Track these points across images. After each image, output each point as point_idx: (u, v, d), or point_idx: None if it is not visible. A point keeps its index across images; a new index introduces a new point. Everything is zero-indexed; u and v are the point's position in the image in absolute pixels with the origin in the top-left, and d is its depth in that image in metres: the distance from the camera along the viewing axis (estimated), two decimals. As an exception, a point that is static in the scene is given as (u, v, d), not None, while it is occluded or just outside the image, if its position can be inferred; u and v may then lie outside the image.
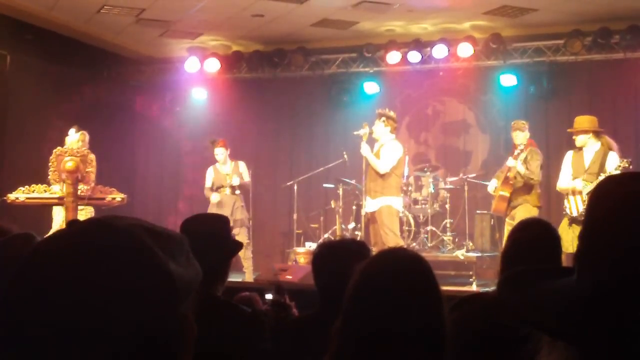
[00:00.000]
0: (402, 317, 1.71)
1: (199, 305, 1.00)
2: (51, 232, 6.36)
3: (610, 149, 7.27)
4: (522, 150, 7.68)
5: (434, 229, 9.73)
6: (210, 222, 3.18)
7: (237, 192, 9.00)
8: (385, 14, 9.67)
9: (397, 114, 8.35)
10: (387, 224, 7.72)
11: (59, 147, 6.51)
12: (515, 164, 7.69)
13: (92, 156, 7.34)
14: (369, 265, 1.84)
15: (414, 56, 10.29)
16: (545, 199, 8.55)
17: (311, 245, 9.76)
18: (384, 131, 7.93)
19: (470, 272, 9.03)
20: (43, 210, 7.89)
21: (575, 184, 7.28)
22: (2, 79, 9.82)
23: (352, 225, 9.63)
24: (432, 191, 9.78)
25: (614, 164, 7.11)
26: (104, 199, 6.48)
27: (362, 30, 10.38)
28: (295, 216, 10.31)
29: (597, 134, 7.37)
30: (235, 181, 8.93)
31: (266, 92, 11.43)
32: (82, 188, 6.39)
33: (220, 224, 3.15)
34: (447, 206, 9.81)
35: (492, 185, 8.14)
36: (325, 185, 10.34)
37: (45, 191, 6.37)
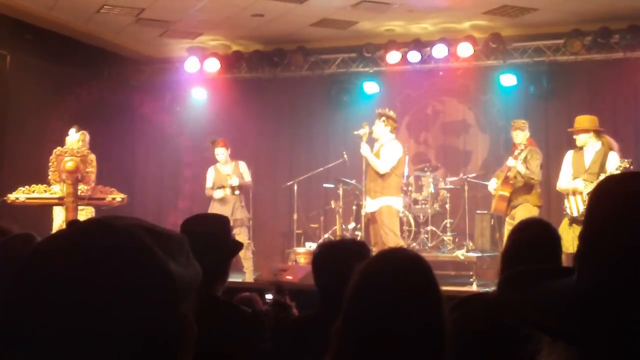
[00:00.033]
0: (402, 317, 1.71)
1: (199, 306, 1.00)
2: (51, 232, 6.36)
3: (611, 149, 7.26)
4: (522, 150, 7.67)
5: (434, 229, 9.73)
6: (210, 222, 3.18)
7: (237, 192, 8.99)
8: (385, 13, 9.67)
9: (397, 114, 8.35)
10: (387, 224, 7.72)
11: (59, 147, 6.51)
12: (515, 164, 7.69)
13: (93, 156, 7.33)
14: (369, 266, 1.84)
15: (414, 56, 10.29)
16: (546, 199, 8.55)
17: (311, 246, 9.75)
18: (384, 131, 7.93)
19: (471, 272, 9.03)
20: (43, 211, 7.89)
21: (576, 184, 7.27)
22: (2, 79, 9.82)
23: (352, 225, 9.63)
24: (432, 191, 9.78)
25: (615, 164, 7.10)
26: (104, 199, 6.48)
27: (361, 30, 10.38)
28: (295, 216, 10.31)
29: (597, 134, 7.36)
30: (234, 182, 8.92)
31: (266, 92, 11.43)
32: (82, 188, 6.39)
33: (220, 224, 3.15)
34: (447, 206, 9.81)
35: (492, 184, 8.13)
36: (325, 185, 10.34)
37: (45, 191, 6.37)
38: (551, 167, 8.77)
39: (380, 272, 1.80)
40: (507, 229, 7.50)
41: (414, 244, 9.51)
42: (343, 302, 1.79)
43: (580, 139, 7.38)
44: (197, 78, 11.32)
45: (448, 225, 9.77)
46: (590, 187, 7.02)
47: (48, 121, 10.27)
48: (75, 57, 10.63)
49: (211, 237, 2.90)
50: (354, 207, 9.69)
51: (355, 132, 8.05)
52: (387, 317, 1.70)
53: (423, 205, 9.79)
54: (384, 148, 7.86)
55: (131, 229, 0.90)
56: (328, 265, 2.80)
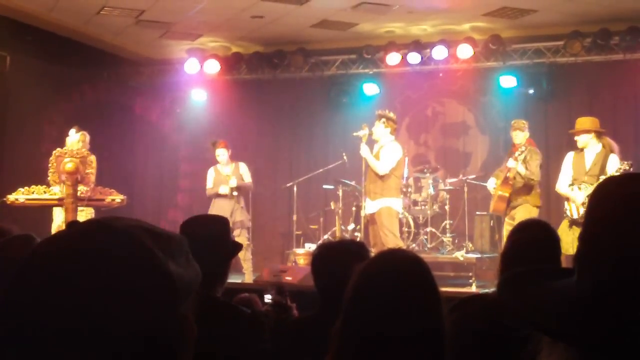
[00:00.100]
0: (401, 318, 1.71)
1: (198, 306, 1.00)
2: (51, 233, 6.36)
3: (612, 151, 7.25)
4: (522, 152, 7.67)
5: (433, 230, 9.73)
6: (209, 223, 3.17)
7: (235, 193, 8.98)
8: (385, 15, 9.67)
9: (397, 116, 8.35)
10: (387, 225, 7.72)
11: (58, 149, 6.51)
12: (515, 165, 7.69)
13: (93, 157, 7.33)
14: (368, 267, 1.84)
15: (414, 57, 10.29)
16: (545, 200, 8.55)
17: (311, 247, 9.75)
18: (384, 132, 7.93)
19: (470, 274, 9.02)
20: (43, 212, 7.89)
21: (574, 195, 7.26)
22: (2, 80, 9.82)
23: (351, 226, 9.63)
24: (432, 192, 9.78)
25: (615, 166, 7.10)
26: (103, 200, 6.48)
27: (361, 32, 10.38)
28: (294, 217, 10.31)
29: (598, 135, 7.36)
30: (232, 183, 8.92)
31: (266, 93, 11.44)
32: (81, 189, 6.38)
33: (220, 225, 3.14)
34: (447, 207, 9.81)
35: (491, 183, 8.13)
36: (324, 186, 10.34)
37: (45, 192, 6.37)
38: (551, 169, 8.77)
39: (380, 273, 1.80)
40: (507, 229, 7.50)
41: (414, 245, 9.51)
42: (342, 303, 1.79)
43: (581, 140, 7.37)
44: (197, 79, 11.32)
45: (447, 226, 9.77)
46: (591, 189, 7.03)
47: (48, 122, 10.28)
48: (75, 59, 10.63)
49: (211, 238, 2.90)
50: (354, 209, 9.70)
51: (355, 134, 8.05)
52: (387, 318, 1.71)
53: (422, 207, 9.80)
54: (384, 149, 7.86)
55: (131, 230, 0.90)
56: (327, 267, 2.80)
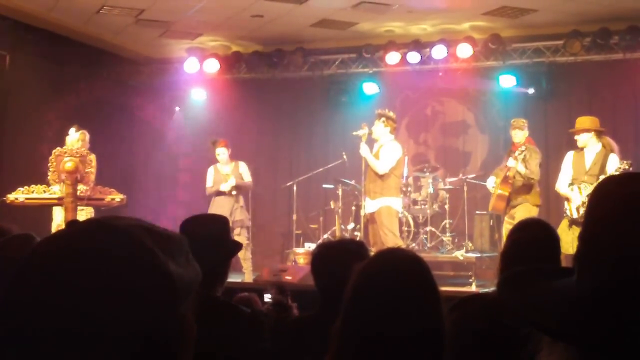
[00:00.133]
0: (400, 318, 1.71)
1: (198, 306, 0.99)
2: (51, 232, 6.35)
3: (612, 150, 7.25)
4: (522, 152, 7.66)
5: (433, 229, 9.73)
6: (209, 222, 3.17)
7: (234, 192, 8.98)
8: (385, 14, 9.67)
9: (397, 115, 8.35)
10: (387, 224, 7.72)
11: (58, 148, 6.50)
12: (516, 165, 7.69)
13: (93, 156, 7.33)
14: (367, 266, 1.84)
15: (413, 57, 10.29)
16: (545, 200, 8.55)
17: (310, 246, 9.75)
18: (384, 132, 7.93)
19: (470, 273, 9.03)
20: (42, 211, 7.88)
21: (573, 196, 7.26)
22: (1, 79, 9.81)
23: (351, 225, 9.63)
24: (432, 192, 9.78)
25: (615, 165, 7.10)
26: (103, 199, 6.47)
27: (361, 31, 10.38)
28: (294, 217, 10.31)
29: (598, 134, 7.35)
30: (231, 182, 8.92)
31: (265, 92, 11.43)
32: (81, 188, 6.38)
33: (220, 224, 3.15)
34: (447, 207, 9.81)
35: (491, 182, 8.13)
36: (324, 185, 10.34)
37: (44, 191, 6.37)
38: (551, 168, 8.77)
39: (379, 272, 1.80)
40: (507, 228, 7.50)
41: (413, 245, 9.51)
42: (342, 303, 1.79)
43: (581, 139, 7.37)
44: (197, 78, 11.32)
45: (447, 225, 9.77)
46: (591, 189, 7.03)
47: (47, 121, 10.27)
48: (74, 58, 10.63)
49: (210, 237, 2.90)
50: (353, 208, 9.69)
51: (355, 133, 8.05)
52: (386, 317, 1.70)
53: (422, 206, 9.80)
54: (384, 149, 7.86)
55: (130, 230, 0.90)
56: (327, 266, 2.80)
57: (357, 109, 10.47)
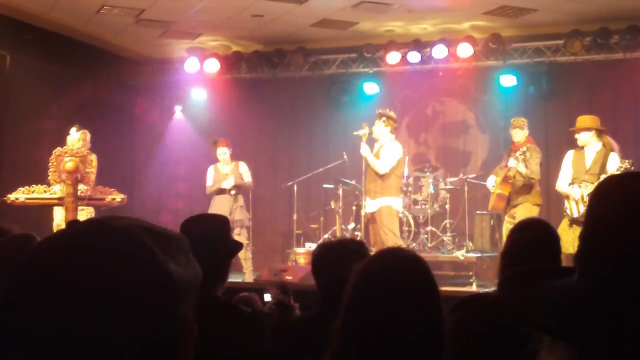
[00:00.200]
0: (400, 317, 1.71)
1: (199, 306, 0.99)
2: (51, 232, 6.35)
3: (612, 149, 7.25)
4: (523, 152, 7.64)
5: (433, 229, 9.73)
6: (209, 222, 3.17)
7: (233, 192, 8.99)
8: (385, 14, 9.67)
9: (397, 115, 8.34)
10: (387, 224, 7.72)
11: (58, 148, 6.50)
12: (516, 165, 7.68)
13: (93, 157, 7.34)
14: (367, 265, 1.84)
15: (414, 56, 10.29)
16: (545, 199, 8.55)
17: (311, 246, 9.75)
18: (384, 131, 7.93)
19: (470, 273, 9.03)
20: (43, 211, 7.89)
21: (573, 192, 7.26)
22: (2, 79, 9.81)
23: (351, 225, 9.62)
24: (432, 191, 9.78)
25: (615, 165, 7.09)
26: (103, 199, 6.47)
27: (361, 31, 10.38)
28: (295, 216, 10.31)
29: (599, 134, 7.35)
30: (229, 182, 8.93)
31: (266, 92, 11.43)
32: (82, 188, 6.38)
33: (220, 224, 3.14)
34: (447, 206, 9.81)
35: (491, 181, 8.13)
36: (325, 185, 10.34)
37: (45, 191, 6.37)
38: (551, 168, 8.77)
39: (379, 271, 1.80)
40: (507, 227, 7.50)
41: (414, 245, 9.51)
42: (342, 302, 1.79)
43: (581, 138, 7.36)
44: (197, 78, 11.32)
45: (448, 225, 9.77)
46: (591, 187, 7.02)
47: (48, 121, 10.27)
48: (75, 58, 10.63)
49: (211, 237, 2.89)
50: (354, 208, 9.69)
51: (355, 133, 8.05)
52: (386, 317, 1.70)
53: (423, 206, 9.79)
54: (384, 149, 7.86)
55: (131, 229, 0.90)
56: (328, 266, 2.81)
57: (357, 109, 10.47)
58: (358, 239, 8.21)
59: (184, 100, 11.62)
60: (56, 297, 0.84)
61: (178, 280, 0.90)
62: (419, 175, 10.06)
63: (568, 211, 7.30)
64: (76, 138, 8.15)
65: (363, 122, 8.10)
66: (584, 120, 7.45)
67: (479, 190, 9.85)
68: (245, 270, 9.03)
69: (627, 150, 8.09)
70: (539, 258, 2.82)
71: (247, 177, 9.19)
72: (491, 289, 6.25)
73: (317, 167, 10.28)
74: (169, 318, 0.89)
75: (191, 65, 11.07)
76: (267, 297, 3.99)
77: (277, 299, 3.34)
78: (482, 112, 10.82)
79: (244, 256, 8.84)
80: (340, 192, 9.91)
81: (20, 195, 6.29)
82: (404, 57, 10.36)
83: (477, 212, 9.81)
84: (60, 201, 6.35)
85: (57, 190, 6.38)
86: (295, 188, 10.21)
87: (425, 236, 9.74)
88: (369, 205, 7.91)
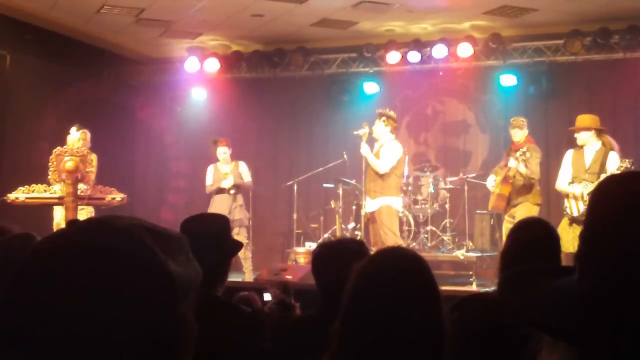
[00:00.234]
0: (400, 316, 1.71)
1: (199, 305, 0.99)
2: (51, 232, 6.34)
3: (612, 149, 7.25)
4: (523, 153, 7.64)
5: (433, 228, 9.73)
6: (209, 222, 3.17)
7: (232, 192, 8.99)
8: (385, 14, 9.67)
9: (397, 114, 8.34)
10: (387, 223, 7.72)
11: (58, 147, 6.51)
12: (517, 165, 7.67)
13: (93, 156, 7.34)
14: (367, 265, 1.84)
15: (414, 56, 10.29)
16: (545, 198, 8.55)
17: (311, 245, 9.75)
18: (384, 131, 7.93)
19: (470, 272, 9.03)
20: (43, 210, 7.89)
21: (574, 189, 7.26)
22: (2, 79, 9.81)
23: (352, 225, 9.62)
24: (432, 191, 9.78)
25: (615, 164, 7.09)
26: (103, 198, 6.48)
27: (362, 30, 10.38)
28: (295, 216, 10.31)
29: (598, 133, 7.35)
30: (228, 182, 8.93)
31: (266, 92, 11.43)
32: (82, 188, 6.38)
33: (220, 223, 3.14)
34: (447, 206, 9.80)
35: (491, 181, 8.12)
36: (325, 185, 10.34)
37: (45, 191, 6.37)
38: (551, 167, 8.77)
39: (379, 271, 1.80)
40: (507, 227, 7.50)
41: (414, 244, 9.51)
42: (342, 302, 1.79)
43: (581, 138, 7.36)
44: (197, 78, 11.32)
45: (448, 225, 9.77)
46: (591, 187, 7.02)
47: (48, 121, 10.27)
48: (75, 57, 10.63)
49: (211, 237, 2.89)
50: (354, 207, 9.69)
51: (355, 132, 8.05)
52: (386, 316, 1.70)
53: (423, 205, 9.79)
54: (384, 148, 7.86)
55: (131, 229, 0.90)
56: (328, 265, 2.80)
57: (357, 109, 10.47)
58: (358, 238, 8.22)
59: (184, 100, 11.61)
60: (56, 297, 0.84)
61: (178, 280, 0.90)
62: (419, 174, 10.06)
63: (568, 210, 7.30)
64: (76, 137, 8.15)
65: (363, 121, 8.10)
66: (583, 119, 7.45)
67: (479, 190, 9.85)
68: (245, 270, 9.03)
69: (627, 149, 8.09)
70: (539, 257, 2.82)
71: (247, 177, 9.19)
72: (491, 288, 6.26)
73: (317, 166, 10.28)
74: (169, 318, 0.89)
75: (191, 64, 11.07)
76: (267, 297, 3.99)
77: (278, 298, 3.34)
78: (482, 112, 10.82)
79: (244, 255, 8.84)
80: (340, 191, 9.91)
81: (20, 194, 6.29)
82: (404, 56, 10.36)
83: (477, 211, 9.81)
84: (60, 200, 6.35)
85: (57, 189, 6.38)
86: (296, 187, 10.21)
87: (425, 236, 9.74)
88: (369, 205, 7.91)
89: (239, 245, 3.20)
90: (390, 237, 7.64)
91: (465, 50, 10.03)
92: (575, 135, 7.43)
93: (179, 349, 0.92)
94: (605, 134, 7.46)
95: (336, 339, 1.76)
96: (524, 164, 7.65)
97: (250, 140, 11.29)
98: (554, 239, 3.02)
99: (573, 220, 7.14)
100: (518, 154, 7.67)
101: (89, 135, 8.34)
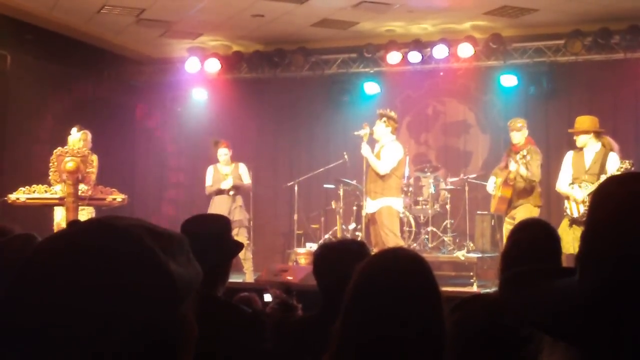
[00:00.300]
0: (401, 317, 1.71)
1: (199, 306, 0.99)
2: (52, 232, 6.34)
3: (611, 149, 7.25)
4: (524, 156, 7.62)
5: (434, 229, 9.72)
6: (210, 222, 3.17)
7: (231, 193, 8.99)
8: (386, 14, 9.67)
9: (398, 115, 8.35)
10: (387, 224, 7.72)
11: (59, 148, 6.51)
12: (517, 168, 7.66)
13: (94, 157, 7.35)
14: (368, 265, 1.84)
15: (414, 56, 10.28)
16: (546, 199, 8.54)
17: (312, 246, 9.75)
18: (385, 132, 7.92)
19: (471, 273, 9.02)
20: (44, 211, 7.89)
21: (574, 192, 7.26)
22: (2, 79, 9.81)
23: (352, 225, 9.63)
24: (433, 192, 9.78)
25: (615, 165, 7.09)
26: (104, 199, 6.48)
27: (362, 31, 10.38)
28: (295, 217, 10.31)
29: (597, 135, 7.36)
30: (228, 183, 8.93)
31: (266, 92, 11.43)
32: (82, 188, 6.39)
33: (221, 224, 3.14)
34: (448, 207, 9.80)
35: (491, 183, 8.11)
36: (325, 185, 10.34)
37: (46, 191, 6.37)
38: (551, 168, 8.76)
39: (380, 271, 1.80)
40: (507, 228, 7.49)
41: (415, 245, 9.51)
42: (343, 302, 1.79)
43: (580, 140, 7.38)
44: (198, 78, 11.32)
45: (448, 225, 9.77)
46: (591, 187, 7.03)
47: (48, 121, 10.27)
48: (75, 57, 10.63)
49: (211, 237, 2.89)
50: (355, 208, 9.69)
51: (356, 133, 8.05)
52: (387, 317, 1.70)
53: (423, 206, 9.79)
54: (385, 149, 7.86)
55: (131, 229, 0.90)
56: (329, 266, 2.81)
57: (358, 109, 10.47)
58: (359, 239, 8.22)
59: (185, 100, 11.61)
60: (57, 297, 0.84)
61: (179, 280, 0.90)
62: (420, 175, 10.05)
63: (568, 211, 7.30)
64: (77, 138, 8.15)
65: (364, 122, 8.11)
66: (582, 121, 7.45)
67: (479, 191, 9.84)
68: (245, 271, 9.03)
69: (627, 150, 8.09)
70: (539, 258, 2.82)
71: (246, 179, 9.20)
72: (492, 289, 6.26)
73: (317, 167, 10.28)
74: (169, 318, 0.89)
75: (192, 65, 11.07)
76: (267, 298, 3.99)
77: (281, 298, 3.34)
78: (483, 112, 10.82)
79: (244, 256, 8.84)
80: (341, 192, 9.91)
81: (21, 195, 6.29)
82: (404, 57, 10.36)
83: (478, 212, 9.81)
84: (61, 201, 6.35)
85: (57, 190, 6.38)
86: (296, 188, 10.21)
87: (426, 236, 9.73)
88: (370, 206, 7.91)
89: (239, 246, 3.20)
90: (391, 237, 7.63)
91: (465, 50, 10.02)
92: (575, 137, 7.44)
93: (180, 349, 0.92)
94: (605, 134, 7.47)
95: (336, 339, 1.76)
96: (524, 166, 7.64)
97: (250, 140, 11.29)
98: (555, 240, 3.02)
99: (573, 222, 7.15)
100: (518, 157, 7.66)
101: (89, 136, 8.35)
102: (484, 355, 1.97)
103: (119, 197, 6.47)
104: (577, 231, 6.91)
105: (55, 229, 7.72)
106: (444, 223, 9.81)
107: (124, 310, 0.85)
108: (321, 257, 2.91)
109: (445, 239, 9.64)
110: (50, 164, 6.28)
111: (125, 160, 11.55)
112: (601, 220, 1.06)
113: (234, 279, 6.99)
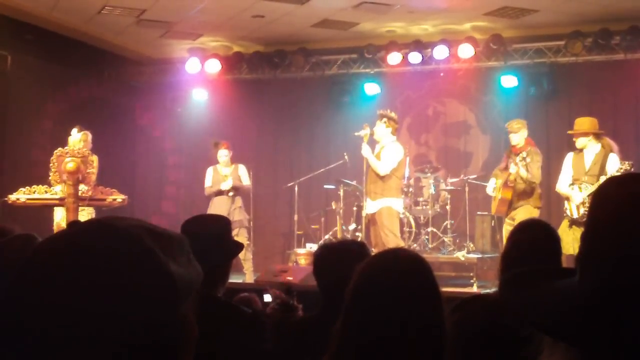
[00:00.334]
0: (401, 317, 1.71)
1: (199, 306, 0.99)
2: (52, 233, 6.34)
3: (611, 150, 7.26)
4: (524, 158, 7.62)
5: (434, 230, 9.72)
6: (210, 223, 3.17)
7: (231, 194, 9.00)
8: (386, 15, 9.67)
9: (398, 115, 8.35)
10: (387, 225, 7.72)
11: (59, 148, 6.51)
12: (517, 170, 7.66)
13: (94, 157, 7.35)
14: (368, 266, 1.84)
15: (415, 57, 10.28)
16: (546, 200, 8.54)
17: (312, 247, 9.75)
18: (385, 132, 7.92)
19: (471, 274, 9.02)
20: (44, 211, 7.89)
21: (574, 195, 7.26)
22: (2, 80, 9.81)
23: (352, 226, 9.62)
24: (433, 192, 9.78)
25: (615, 166, 7.10)
26: (104, 199, 6.48)
27: (362, 31, 10.38)
28: (295, 217, 10.31)
29: (597, 136, 7.37)
30: (227, 184, 8.94)
31: (267, 93, 11.43)
32: (82, 189, 6.39)
33: (221, 224, 3.14)
34: (448, 207, 9.80)
35: (491, 185, 8.11)
36: (326, 186, 10.34)
37: (46, 192, 6.37)
38: (552, 169, 8.77)
39: (380, 272, 1.80)
40: (507, 229, 7.49)
41: (415, 245, 9.50)
42: (343, 303, 1.79)
43: (579, 142, 7.38)
44: (198, 79, 11.32)
45: (448, 226, 9.76)
46: (591, 189, 7.03)
47: (48, 121, 10.28)
48: (76, 58, 10.63)
49: (212, 238, 2.90)
50: (355, 208, 9.69)
51: (356, 133, 8.05)
52: (387, 317, 1.70)
53: (424, 207, 9.79)
54: (385, 150, 7.86)
55: (132, 230, 0.90)
56: (329, 267, 2.81)
57: (358, 110, 10.47)
58: (359, 239, 8.22)
59: (185, 101, 11.61)
60: (57, 297, 0.84)
61: (179, 281, 0.90)
62: (420, 176, 10.05)
63: (568, 212, 7.31)
64: (77, 139, 8.15)
65: (364, 122, 8.11)
66: (581, 123, 7.46)
67: (479, 191, 9.84)
68: (245, 271, 9.03)
69: (627, 151, 8.09)
70: (539, 259, 2.82)
71: (246, 180, 9.21)
72: (492, 290, 6.25)
73: (317, 167, 10.28)
74: (170, 318, 0.89)
75: (192, 65, 11.07)
76: (267, 298, 3.99)
77: (281, 299, 3.33)
78: (483, 113, 10.82)
79: (245, 257, 8.85)
80: (341, 192, 9.91)
81: (21, 195, 6.30)
82: (404, 57, 10.35)
83: (478, 213, 9.81)
84: (61, 202, 6.35)
85: (58, 190, 6.38)
86: (296, 189, 10.21)
87: (426, 237, 9.73)
88: (370, 207, 7.91)
89: (240, 247, 3.20)
90: (391, 238, 7.64)
91: (466, 51, 10.02)
92: (574, 139, 7.45)
93: (180, 350, 0.92)
94: (606, 135, 7.47)
95: (336, 340, 1.76)
96: (525, 168, 7.64)
97: (250, 141, 11.29)
98: (555, 241, 3.02)
99: (573, 222, 7.15)
100: (518, 159, 7.64)
101: (90, 136, 8.35)
102: (484, 355, 1.97)
103: (119, 197, 6.47)
104: (577, 232, 6.92)
105: (55, 229, 7.72)
106: (444, 224, 9.81)
107: (124, 311, 0.85)
108: (321, 258, 2.91)
109: (446, 239, 9.64)
110: (51, 165, 6.28)
111: (126, 160, 11.55)
112: (601, 221, 1.06)
113: (234, 279, 6.99)
